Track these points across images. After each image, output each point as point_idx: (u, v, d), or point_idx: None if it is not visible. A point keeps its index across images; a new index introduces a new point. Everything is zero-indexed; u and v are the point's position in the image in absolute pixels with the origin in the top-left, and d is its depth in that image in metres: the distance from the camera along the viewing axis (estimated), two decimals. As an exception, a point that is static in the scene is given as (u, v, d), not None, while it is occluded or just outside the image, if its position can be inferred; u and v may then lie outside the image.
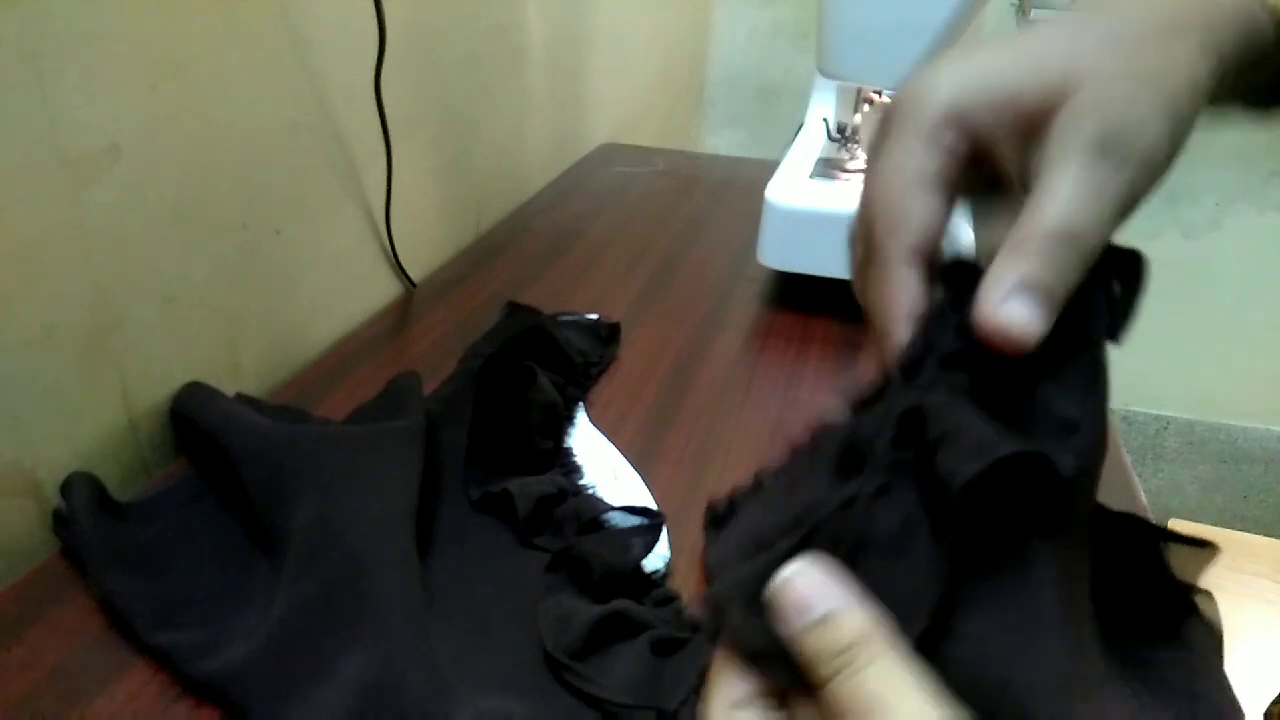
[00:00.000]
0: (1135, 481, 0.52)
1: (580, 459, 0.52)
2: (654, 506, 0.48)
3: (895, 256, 0.25)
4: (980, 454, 0.19)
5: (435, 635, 0.39)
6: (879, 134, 0.26)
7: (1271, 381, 1.78)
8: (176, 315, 0.53)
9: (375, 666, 0.36)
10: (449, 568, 0.44)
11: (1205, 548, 0.25)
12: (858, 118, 0.76)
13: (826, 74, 0.69)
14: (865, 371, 0.64)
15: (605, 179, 1.05)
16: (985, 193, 0.26)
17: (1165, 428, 1.89)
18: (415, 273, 0.77)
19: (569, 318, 0.67)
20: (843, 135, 0.78)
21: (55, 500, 0.46)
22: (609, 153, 1.15)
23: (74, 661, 0.39)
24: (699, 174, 1.06)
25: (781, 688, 0.21)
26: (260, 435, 0.47)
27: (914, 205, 0.25)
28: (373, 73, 0.64)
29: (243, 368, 0.59)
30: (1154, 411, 1.88)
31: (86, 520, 0.44)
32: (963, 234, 0.28)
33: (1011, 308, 0.21)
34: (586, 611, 0.40)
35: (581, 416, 0.56)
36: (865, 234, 0.26)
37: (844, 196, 0.70)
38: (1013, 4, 0.90)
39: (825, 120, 0.81)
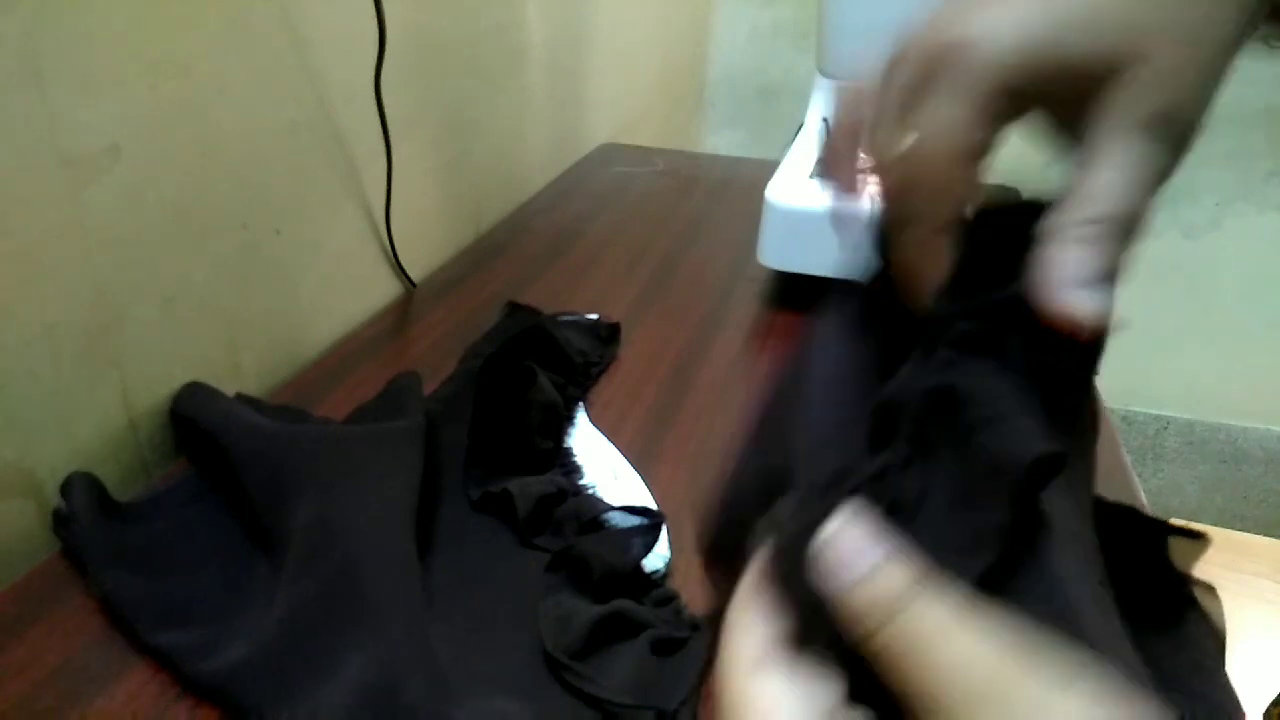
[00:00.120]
0: (1135, 481, 0.52)
1: (580, 459, 0.52)
2: (654, 506, 0.48)
3: (940, 225, 0.24)
4: (1038, 440, 0.19)
5: (435, 635, 0.39)
6: (915, 77, 0.25)
7: (1271, 381, 1.78)
8: (176, 315, 0.53)
9: (375, 666, 0.36)
10: (449, 568, 0.44)
11: (1198, 539, 0.25)
12: (858, 118, 0.76)
13: (826, 74, 0.69)
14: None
15: (605, 179, 1.05)
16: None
17: (1165, 428, 1.89)
18: (415, 273, 0.77)
19: (569, 318, 0.67)
20: (843, 135, 0.78)
21: (55, 500, 0.46)
22: (609, 153, 1.15)
23: (74, 662, 0.39)
24: (699, 174, 1.06)
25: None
26: (260, 435, 0.47)
27: (962, 179, 0.24)
28: (373, 73, 0.64)
29: (243, 368, 0.59)
30: (1154, 411, 1.88)
31: (86, 520, 0.44)
32: None
33: (1081, 296, 0.21)
34: (586, 611, 0.40)
35: (581, 416, 0.56)
36: (903, 193, 0.26)
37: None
38: None
39: (825, 120, 0.81)
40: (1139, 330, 1.77)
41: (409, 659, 0.37)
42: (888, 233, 0.28)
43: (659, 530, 0.45)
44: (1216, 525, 1.68)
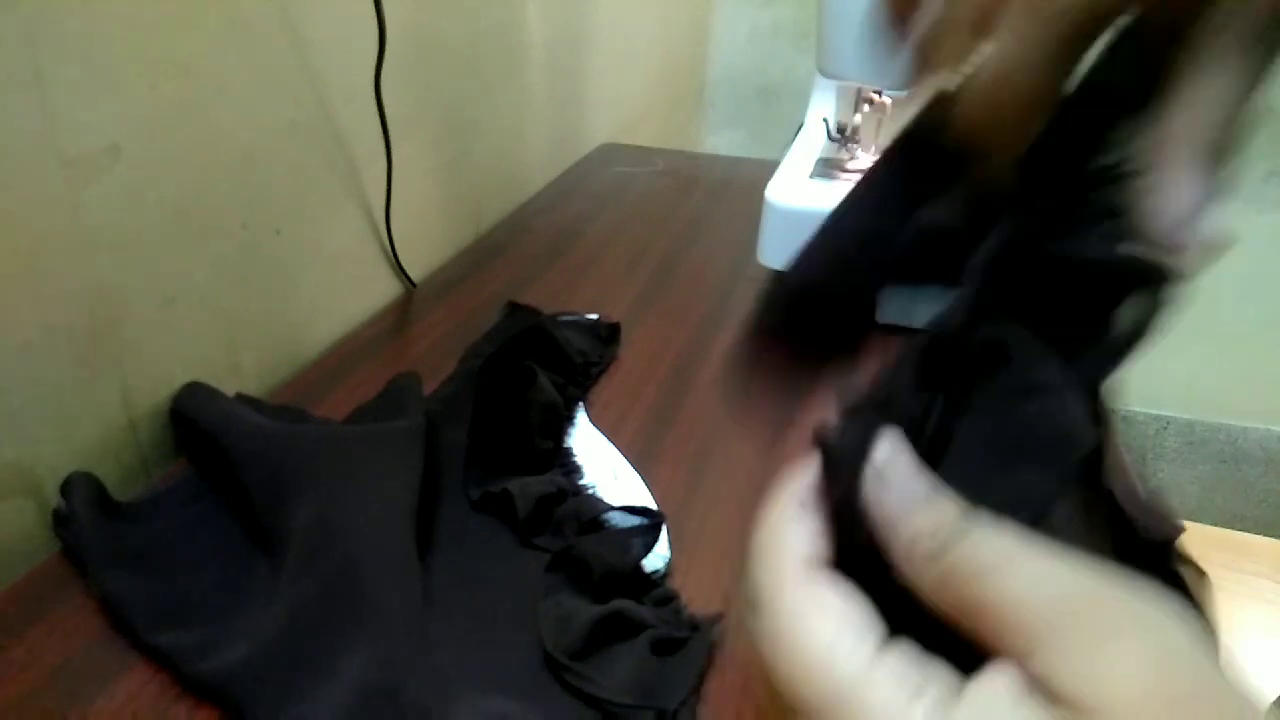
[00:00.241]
0: (1137, 482, 0.52)
1: (580, 459, 0.52)
2: (654, 506, 0.48)
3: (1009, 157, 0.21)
4: (1088, 424, 0.19)
5: (435, 635, 0.39)
6: None
7: (1271, 381, 1.78)
8: (176, 315, 0.53)
9: (375, 666, 0.36)
10: (449, 568, 0.44)
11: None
12: (858, 118, 0.76)
13: (826, 74, 0.69)
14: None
15: (605, 179, 1.05)
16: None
17: (1165, 428, 1.89)
18: (415, 273, 0.77)
19: (569, 318, 0.67)
20: (843, 135, 0.78)
21: (55, 500, 0.46)
22: (609, 153, 1.15)
23: (74, 662, 0.39)
24: (699, 174, 1.06)
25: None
26: (260, 435, 0.47)
27: (1040, 113, 0.21)
28: (373, 73, 0.64)
29: (243, 368, 0.59)
30: (1154, 411, 1.88)
31: (86, 520, 0.44)
32: None
33: (1198, 228, 0.19)
34: (586, 611, 0.40)
35: (581, 416, 0.56)
36: (967, 119, 0.22)
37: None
38: None
39: (825, 120, 0.81)
40: (1139, 330, 1.77)
41: (409, 659, 0.37)
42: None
43: (659, 530, 0.45)
44: (1216, 525, 1.68)
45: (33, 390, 0.45)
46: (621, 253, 0.83)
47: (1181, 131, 0.20)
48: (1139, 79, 0.20)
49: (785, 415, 0.22)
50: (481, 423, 0.51)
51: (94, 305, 0.47)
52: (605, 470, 0.51)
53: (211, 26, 0.52)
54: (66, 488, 0.45)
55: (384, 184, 0.69)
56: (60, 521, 0.45)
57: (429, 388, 0.56)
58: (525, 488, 0.47)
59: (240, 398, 0.55)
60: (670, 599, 0.42)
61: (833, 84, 0.86)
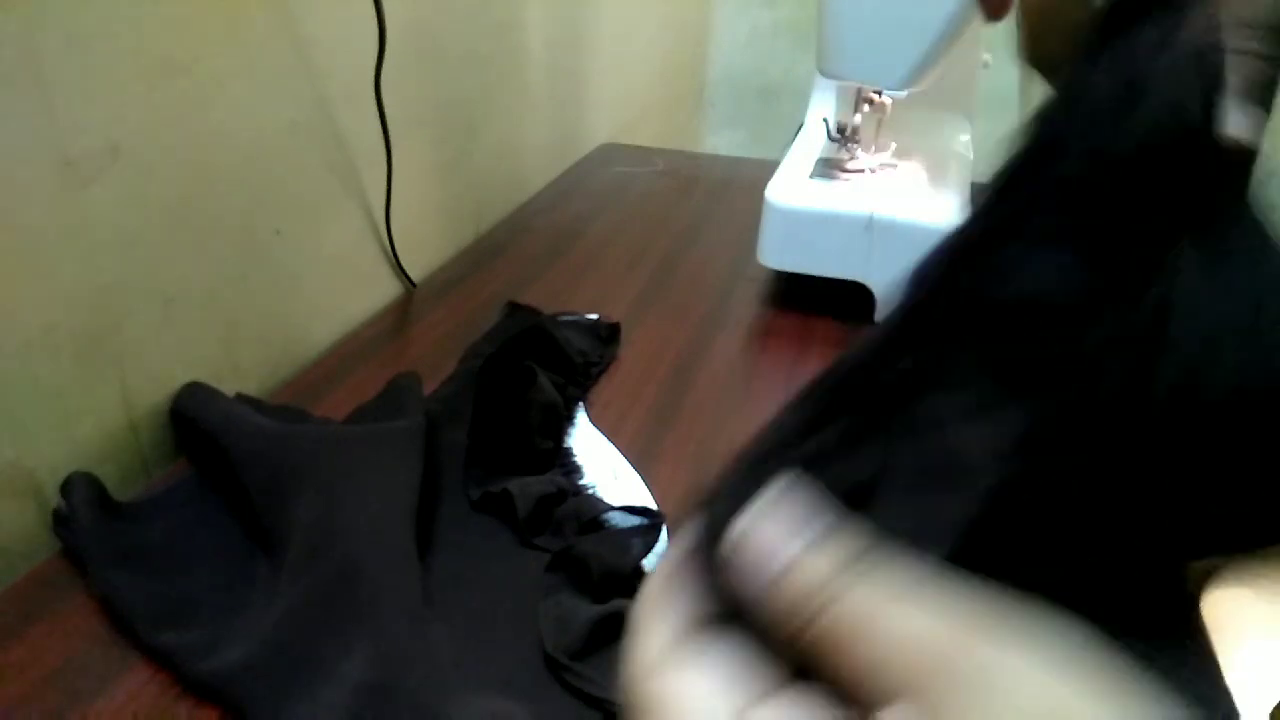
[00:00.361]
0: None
1: (580, 459, 0.52)
2: (654, 506, 0.48)
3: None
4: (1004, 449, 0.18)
5: (435, 635, 0.39)
6: None
7: (1272, 381, 1.78)
8: (176, 315, 0.53)
9: (375, 666, 0.36)
10: (449, 568, 0.44)
11: None
12: (858, 118, 0.76)
13: (827, 74, 0.69)
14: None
15: (605, 179, 1.05)
16: None
17: (1165, 428, 1.89)
18: (415, 273, 0.77)
19: (569, 318, 0.67)
20: (843, 135, 0.78)
21: (55, 500, 0.46)
22: (609, 153, 1.15)
23: (74, 661, 0.39)
24: (699, 174, 1.06)
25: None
26: (260, 435, 0.47)
27: None
28: (373, 73, 0.64)
29: (242, 368, 0.59)
30: (1154, 411, 1.88)
31: (86, 520, 0.44)
32: None
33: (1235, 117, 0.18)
34: (586, 611, 0.40)
35: (581, 416, 0.56)
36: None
37: (844, 196, 0.70)
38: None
39: (825, 120, 0.81)
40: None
41: (409, 659, 0.37)
42: None
43: (659, 530, 0.45)
44: (1217, 525, 1.68)
45: (33, 390, 0.45)
46: (621, 253, 0.83)
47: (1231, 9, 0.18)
48: None
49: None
50: (481, 423, 0.51)
51: (94, 305, 0.47)
52: (605, 470, 0.51)
53: (211, 26, 0.52)
54: (66, 488, 0.45)
55: (384, 184, 0.69)
56: (60, 521, 0.45)
57: (429, 388, 0.56)
58: (525, 488, 0.47)
59: (240, 398, 0.55)
60: (670, 599, 0.42)
61: (833, 84, 0.85)
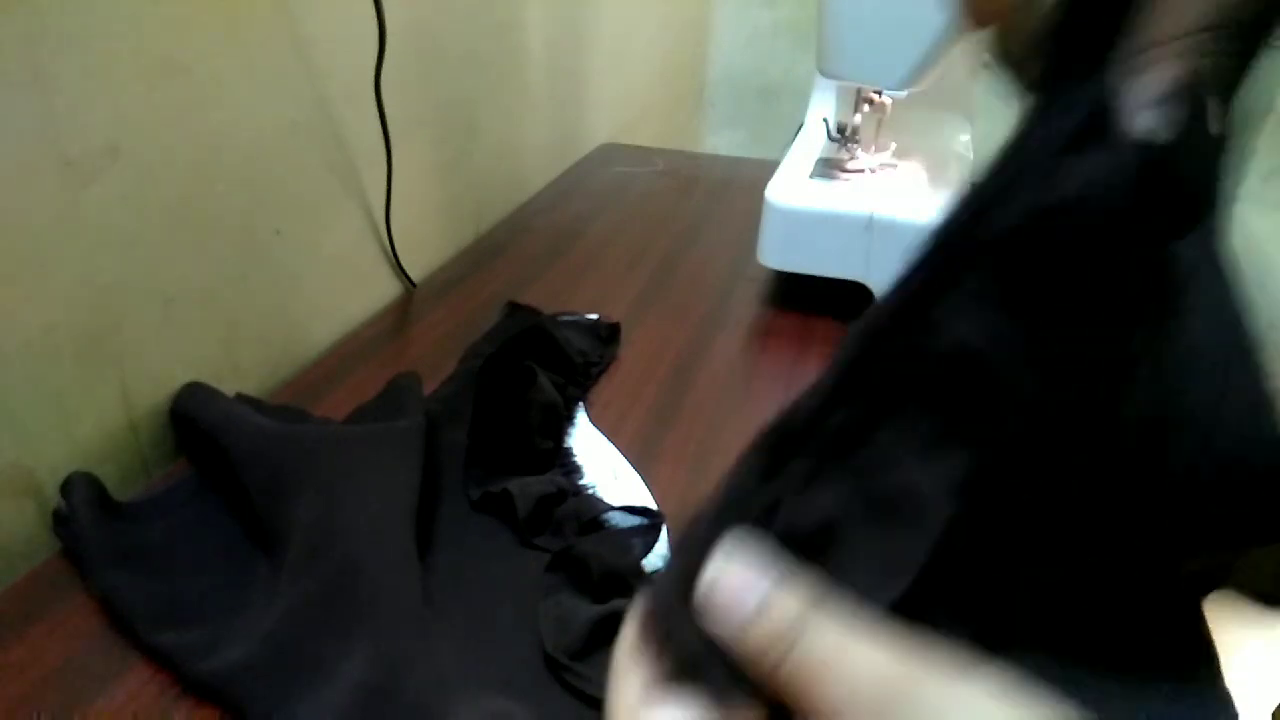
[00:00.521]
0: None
1: (580, 459, 0.52)
2: (654, 506, 0.48)
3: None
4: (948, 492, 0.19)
5: (435, 635, 0.39)
6: None
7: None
8: (176, 315, 0.53)
9: (375, 667, 0.36)
10: (449, 568, 0.44)
11: None
12: (858, 118, 0.76)
13: (827, 74, 0.69)
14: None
15: (605, 179, 1.05)
16: None
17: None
18: (415, 273, 0.77)
19: (569, 318, 0.67)
20: (843, 135, 0.78)
21: (55, 500, 0.46)
22: (609, 153, 1.15)
23: (74, 662, 0.39)
24: (699, 174, 1.06)
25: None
26: (260, 435, 0.47)
27: None
28: (373, 73, 0.64)
29: (242, 368, 0.59)
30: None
31: (86, 520, 0.44)
32: None
33: (1150, 116, 0.18)
34: (586, 612, 0.40)
35: (581, 416, 0.56)
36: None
37: (844, 196, 0.70)
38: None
39: (825, 120, 0.81)
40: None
41: (409, 659, 0.37)
42: None
43: (659, 530, 0.45)
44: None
45: (33, 390, 0.45)
46: (621, 253, 0.83)
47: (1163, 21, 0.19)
48: None
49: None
50: (481, 423, 0.51)
51: (94, 305, 0.47)
52: (605, 470, 0.51)
53: (211, 26, 0.52)
54: (66, 488, 0.45)
55: (384, 184, 0.69)
56: (60, 521, 0.45)
57: (429, 388, 0.56)
58: (525, 488, 0.47)
59: (240, 398, 0.55)
60: (670, 599, 0.42)
61: (833, 84, 0.85)
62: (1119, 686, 0.22)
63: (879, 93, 0.73)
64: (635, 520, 0.45)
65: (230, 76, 0.54)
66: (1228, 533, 0.20)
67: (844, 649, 0.17)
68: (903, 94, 0.69)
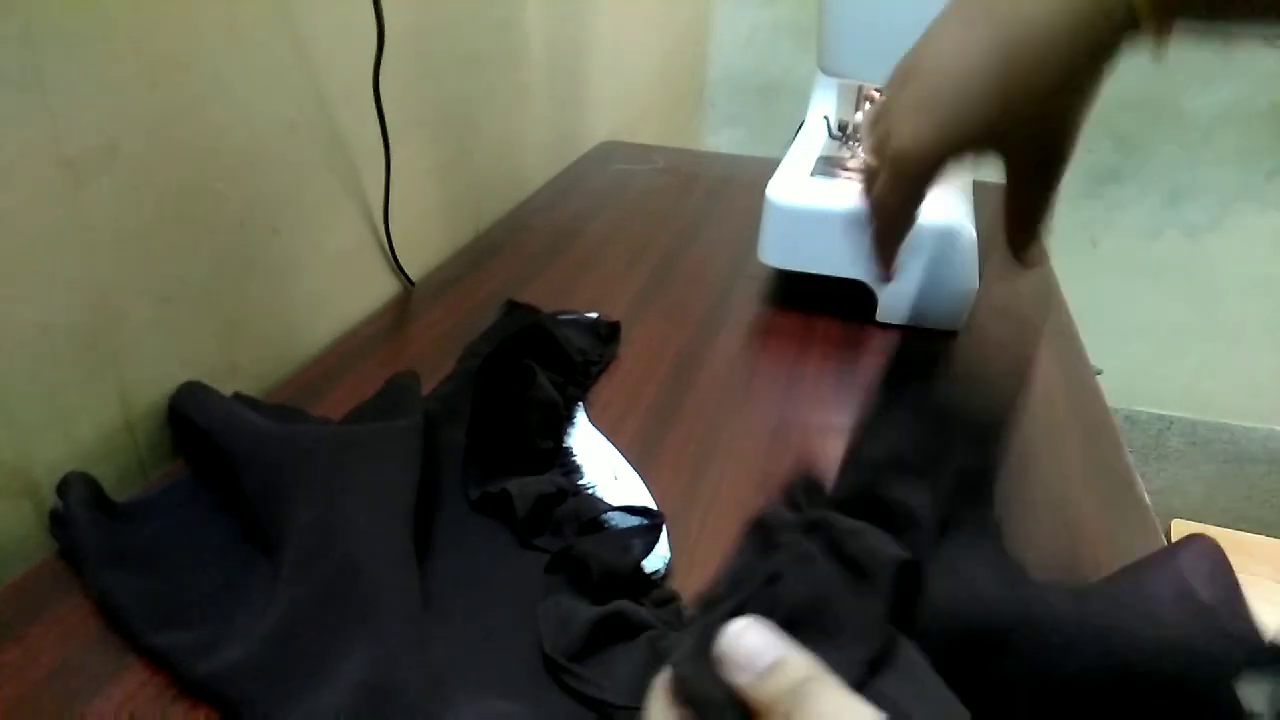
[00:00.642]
0: (1139, 482, 0.52)
1: (580, 459, 0.52)
2: (654, 506, 0.47)
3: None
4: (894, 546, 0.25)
5: (434, 635, 0.39)
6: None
7: (1275, 381, 1.78)
8: (174, 315, 0.53)
9: (374, 667, 0.36)
10: (448, 568, 0.44)
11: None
12: (858, 116, 0.76)
13: (827, 72, 0.69)
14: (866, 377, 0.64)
15: (605, 177, 1.05)
16: None
17: (1168, 428, 1.89)
18: (414, 271, 0.76)
19: (568, 316, 0.66)
20: (843, 133, 0.78)
21: (52, 500, 0.46)
22: (609, 150, 1.15)
23: (71, 662, 0.39)
24: (699, 172, 1.06)
25: None
26: (258, 435, 0.47)
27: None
28: (371, 72, 0.64)
29: (240, 367, 0.59)
30: (1157, 411, 1.88)
31: (83, 520, 0.44)
32: None
33: None
34: (586, 612, 0.39)
35: (581, 416, 0.56)
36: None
37: (845, 194, 0.70)
38: None
39: (826, 118, 0.81)
40: (1141, 330, 1.77)
41: (408, 659, 0.37)
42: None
43: (659, 530, 0.44)
44: (1220, 526, 1.68)
45: (30, 389, 0.45)
46: (621, 251, 0.83)
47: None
48: None
49: None
50: (480, 422, 0.51)
51: (92, 305, 0.47)
52: (605, 470, 0.51)
53: (211, 26, 0.52)
54: (63, 488, 0.45)
55: (383, 183, 0.69)
56: (57, 522, 0.45)
57: (428, 387, 0.56)
58: (524, 488, 0.47)
59: (238, 397, 0.55)
60: (670, 599, 0.42)
61: (833, 82, 0.85)
62: None
63: (880, 90, 0.73)
64: (635, 520, 0.45)
65: (229, 75, 0.54)
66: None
67: (846, 709, 0.21)
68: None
